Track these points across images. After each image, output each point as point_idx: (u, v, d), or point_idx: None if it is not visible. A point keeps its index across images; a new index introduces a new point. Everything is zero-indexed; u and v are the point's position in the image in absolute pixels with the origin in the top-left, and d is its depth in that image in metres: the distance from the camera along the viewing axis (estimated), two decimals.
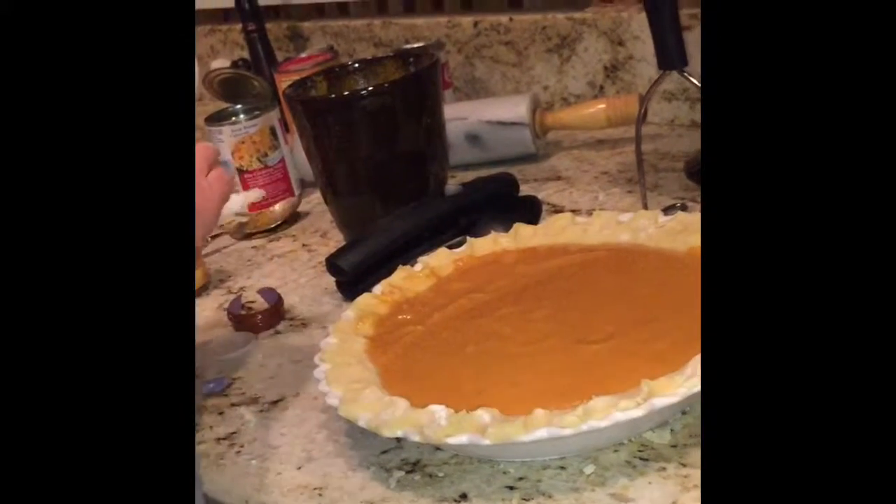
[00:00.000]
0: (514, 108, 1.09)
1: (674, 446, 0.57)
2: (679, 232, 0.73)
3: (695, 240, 0.71)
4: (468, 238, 0.81)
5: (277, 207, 1.11)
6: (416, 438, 0.57)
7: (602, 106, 1.07)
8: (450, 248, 0.81)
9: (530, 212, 0.91)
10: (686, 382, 0.55)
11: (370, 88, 0.92)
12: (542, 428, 0.54)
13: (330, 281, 0.90)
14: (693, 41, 0.96)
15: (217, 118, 1.12)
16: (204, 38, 1.72)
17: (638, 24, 1.11)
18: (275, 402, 0.73)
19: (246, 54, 1.45)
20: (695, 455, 0.56)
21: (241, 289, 0.96)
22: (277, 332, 0.85)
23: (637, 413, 0.54)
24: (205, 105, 1.60)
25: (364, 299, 0.75)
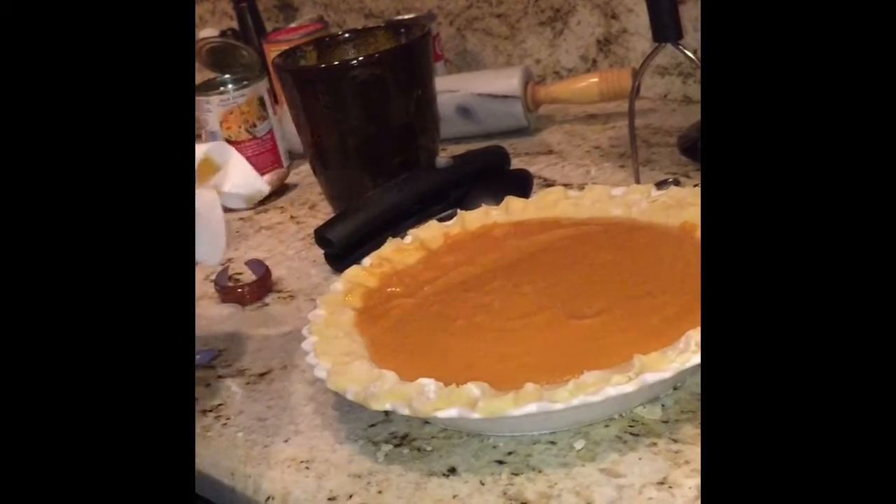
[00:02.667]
0: (506, 81, 1.08)
1: (665, 422, 0.57)
2: (672, 207, 0.72)
3: (688, 214, 0.70)
4: (459, 211, 0.80)
5: (265, 179, 1.10)
6: (405, 412, 0.57)
7: (595, 80, 1.07)
8: (440, 220, 0.80)
9: (522, 185, 0.90)
10: (678, 358, 0.55)
11: (360, 59, 0.91)
12: (532, 402, 0.54)
13: (318, 253, 0.89)
14: (687, 14, 0.96)
15: (205, 88, 1.11)
16: None
17: None
18: (262, 375, 0.73)
19: (235, 24, 1.43)
20: (686, 431, 0.56)
21: (229, 260, 0.95)
22: (265, 305, 0.85)
23: (628, 388, 0.54)
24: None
25: (353, 271, 0.74)
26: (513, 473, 0.56)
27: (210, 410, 0.70)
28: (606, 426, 0.57)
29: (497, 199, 0.80)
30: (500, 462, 0.57)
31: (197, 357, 0.77)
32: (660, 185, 0.82)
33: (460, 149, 0.98)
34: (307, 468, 0.61)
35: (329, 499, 0.57)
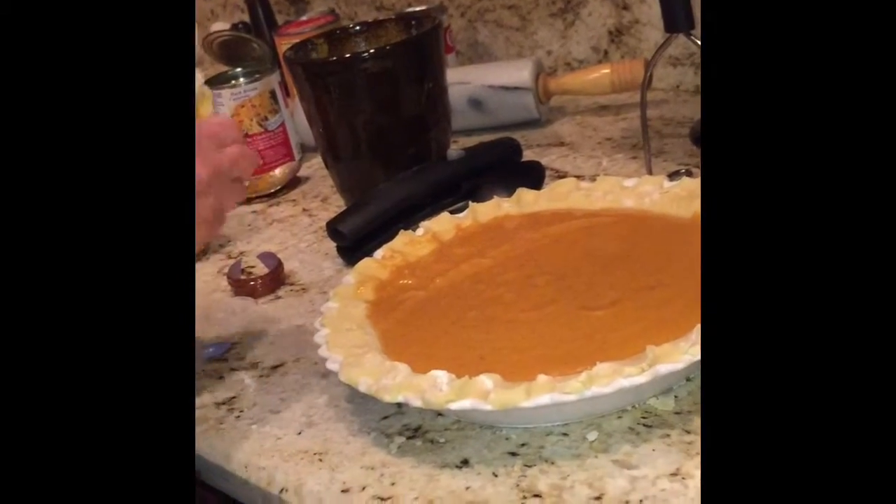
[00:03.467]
0: (518, 73, 1.08)
1: (678, 413, 0.57)
2: (684, 198, 0.72)
3: (699, 206, 0.70)
4: (470, 203, 0.80)
5: (277, 172, 1.10)
6: (418, 404, 0.57)
7: (606, 71, 1.06)
8: (452, 212, 0.80)
9: (533, 177, 0.90)
10: (691, 349, 0.54)
11: (371, 51, 0.91)
12: (545, 394, 0.54)
13: (330, 246, 0.89)
14: (699, 4, 0.95)
15: (217, 81, 1.11)
16: (203, 2, 1.71)
17: None
18: (275, 367, 0.73)
19: (246, 17, 1.43)
20: (699, 422, 0.56)
21: (241, 253, 0.95)
22: (277, 297, 0.85)
23: (641, 379, 0.53)
24: (204, 69, 1.58)
25: (365, 264, 0.74)
26: (525, 465, 0.56)
27: (223, 403, 0.70)
28: (619, 417, 0.57)
29: (509, 191, 0.80)
30: (513, 454, 0.57)
31: (210, 350, 0.77)
32: (672, 176, 0.82)
33: (472, 141, 0.98)
34: (320, 460, 0.61)
35: (342, 491, 0.58)
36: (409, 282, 0.72)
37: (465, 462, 0.57)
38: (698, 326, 0.55)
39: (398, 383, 0.58)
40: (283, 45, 1.12)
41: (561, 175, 0.94)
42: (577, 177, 0.90)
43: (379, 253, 0.75)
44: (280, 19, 1.42)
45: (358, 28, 1.01)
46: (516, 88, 1.08)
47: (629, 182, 0.76)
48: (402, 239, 0.77)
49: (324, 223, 0.90)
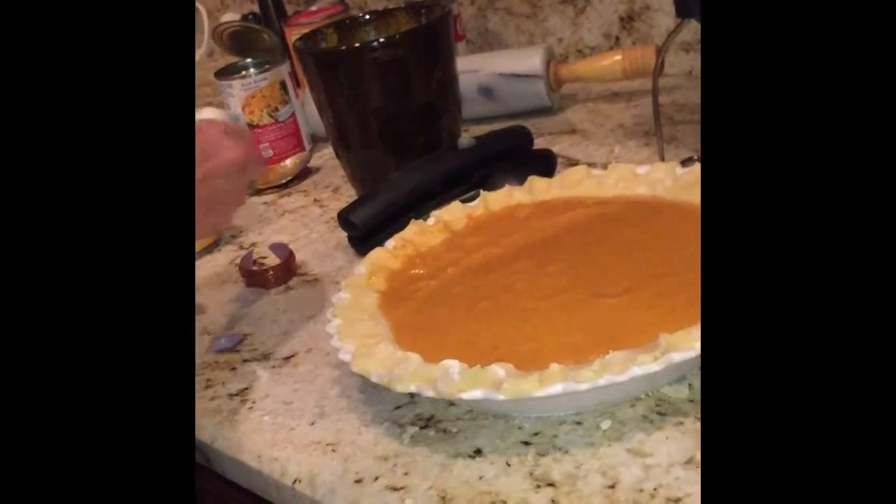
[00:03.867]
0: (528, 61, 1.07)
1: (691, 401, 0.56)
2: (696, 184, 0.72)
3: None
4: (482, 192, 0.80)
5: (288, 162, 1.10)
6: (430, 394, 0.56)
7: (618, 58, 1.05)
8: (463, 201, 0.80)
9: (545, 165, 0.90)
10: None
11: (381, 40, 0.91)
12: (557, 383, 0.53)
13: (342, 236, 0.89)
14: None
15: (227, 72, 1.11)
16: None
17: None
18: (287, 358, 0.73)
19: (256, 8, 1.43)
20: None
21: (253, 244, 0.95)
22: (289, 288, 0.85)
23: (654, 368, 0.53)
24: (215, 60, 1.59)
25: (376, 254, 0.74)
26: (539, 454, 0.55)
27: (236, 394, 0.70)
28: (633, 406, 0.57)
29: (520, 180, 0.80)
30: (526, 443, 0.57)
31: (222, 341, 0.77)
32: (684, 162, 0.81)
33: (482, 129, 0.97)
34: (333, 451, 0.61)
35: (355, 481, 0.57)
36: (421, 271, 0.72)
37: (478, 452, 0.57)
38: None
39: (410, 373, 0.58)
40: (293, 35, 1.12)
41: (573, 163, 0.94)
42: (589, 164, 0.90)
43: (390, 243, 0.75)
44: (290, 9, 1.42)
45: (367, 17, 1.00)
46: (527, 76, 1.07)
47: (641, 169, 0.76)
48: (413, 228, 0.76)
49: (335, 213, 0.90)
